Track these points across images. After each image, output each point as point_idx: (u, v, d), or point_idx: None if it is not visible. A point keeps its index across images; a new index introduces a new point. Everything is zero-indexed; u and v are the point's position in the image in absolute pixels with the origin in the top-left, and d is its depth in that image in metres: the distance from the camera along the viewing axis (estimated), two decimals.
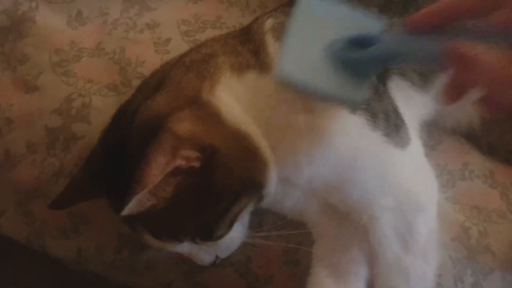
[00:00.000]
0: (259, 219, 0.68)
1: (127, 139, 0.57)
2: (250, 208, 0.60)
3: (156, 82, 0.62)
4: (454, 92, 0.47)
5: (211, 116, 0.57)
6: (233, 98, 0.59)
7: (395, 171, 0.60)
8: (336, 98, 0.53)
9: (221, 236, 0.60)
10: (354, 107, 0.57)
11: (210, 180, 0.55)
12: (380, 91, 0.62)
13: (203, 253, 0.63)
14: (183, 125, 0.54)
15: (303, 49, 0.52)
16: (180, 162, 0.54)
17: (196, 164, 0.54)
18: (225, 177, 0.55)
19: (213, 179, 0.55)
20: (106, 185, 0.60)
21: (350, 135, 0.59)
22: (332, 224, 0.65)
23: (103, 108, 0.73)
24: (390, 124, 0.60)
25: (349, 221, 0.64)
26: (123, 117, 0.61)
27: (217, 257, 0.64)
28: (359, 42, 0.51)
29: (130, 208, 0.52)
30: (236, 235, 0.63)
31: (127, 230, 0.73)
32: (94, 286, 0.84)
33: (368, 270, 0.63)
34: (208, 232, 0.58)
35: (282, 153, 0.59)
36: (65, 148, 0.73)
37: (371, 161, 0.60)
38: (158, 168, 0.52)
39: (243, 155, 0.57)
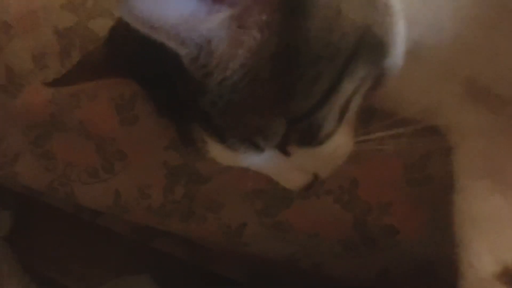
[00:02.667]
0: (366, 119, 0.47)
1: None
2: (365, 89, 0.40)
3: None
4: None
5: None
6: None
7: None
8: None
9: (328, 136, 0.39)
10: None
11: (311, 22, 0.35)
12: None
13: (295, 171, 0.42)
14: None
15: None
16: None
17: None
18: (332, 18, 0.35)
19: (314, 18, 0.35)
20: (138, 66, 0.41)
21: None
22: (484, 117, 0.44)
23: None
24: None
25: (510, 109, 0.43)
26: None
27: (315, 177, 0.44)
28: None
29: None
30: (343, 141, 0.42)
31: (177, 160, 0.55)
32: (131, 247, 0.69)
33: None
34: (310, 128, 0.38)
35: None
36: (84, 50, 0.54)
37: None
38: None
39: None
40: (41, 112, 0.58)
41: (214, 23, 0.34)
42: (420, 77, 0.45)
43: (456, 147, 0.47)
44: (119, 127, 0.56)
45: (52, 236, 0.79)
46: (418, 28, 0.41)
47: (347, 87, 0.38)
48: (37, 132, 0.60)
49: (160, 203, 0.58)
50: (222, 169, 0.54)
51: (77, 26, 0.56)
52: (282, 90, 0.36)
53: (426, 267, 0.52)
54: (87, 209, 0.68)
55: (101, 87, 0.55)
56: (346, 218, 0.52)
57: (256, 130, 0.38)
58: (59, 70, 0.56)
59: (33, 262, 0.77)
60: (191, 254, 0.70)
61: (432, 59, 0.44)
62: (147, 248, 0.71)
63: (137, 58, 0.41)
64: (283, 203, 0.54)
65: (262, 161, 0.42)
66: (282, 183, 0.45)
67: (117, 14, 0.53)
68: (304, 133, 0.39)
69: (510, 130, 0.45)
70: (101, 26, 0.55)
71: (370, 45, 0.38)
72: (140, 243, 0.71)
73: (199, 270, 0.71)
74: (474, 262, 0.41)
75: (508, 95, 0.44)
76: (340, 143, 0.42)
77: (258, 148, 0.40)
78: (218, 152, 0.41)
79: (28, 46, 0.58)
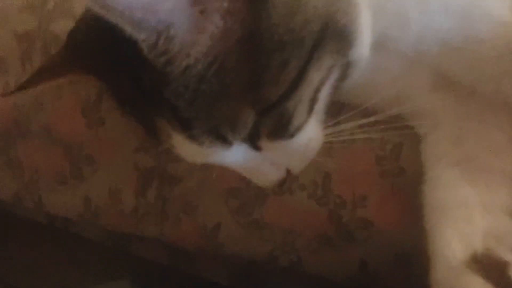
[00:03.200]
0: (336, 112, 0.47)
1: None
2: (332, 80, 0.39)
3: None
4: None
5: None
6: None
7: None
8: None
9: (298, 129, 0.39)
10: None
11: (272, 8, 0.34)
12: None
13: (267, 167, 0.42)
14: None
15: None
16: None
17: None
18: (293, 4, 0.35)
19: (275, 5, 0.34)
20: (99, 61, 0.40)
21: None
22: (452, 106, 0.45)
23: None
24: None
25: (479, 97, 0.43)
26: None
27: (287, 172, 0.43)
28: None
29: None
30: (314, 133, 0.42)
31: (148, 162, 0.54)
32: (108, 253, 0.67)
33: None
34: (281, 119, 0.37)
35: None
36: (46, 53, 0.53)
37: None
38: None
39: None
40: (4, 119, 0.56)
41: (172, 6, 0.33)
42: (388, 67, 0.45)
43: (425, 136, 0.47)
44: (86, 130, 0.55)
45: (24, 246, 0.77)
46: (383, 20, 0.41)
47: (315, 76, 0.38)
48: (1, 140, 0.58)
49: (133, 207, 0.56)
50: (194, 169, 0.54)
51: (38, 29, 0.55)
52: (249, 79, 0.36)
53: (404, 257, 0.52)
54: (59, 217, 0.66)
55: (65, 89, 0.53)
56: (321, 213, 0.51)
57: (224, 120, 0.37)
58: (20, 74, 0.55)
59: (7, 274, 0.74)
60: (169, 258, 0.68)
61: (399, 50, 0.44)
62: (125, 253, 0.69)
63: (99, 52, 0.40)
64: (258, 200, 0.53)
65: (232, 157, 0.41)
66: (254, 180, 0.44)
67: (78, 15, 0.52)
68: (275, 125, 0.38)
69: (478, 118, 0.45)
70: (62, 29, 0.53)
71: (335, 34, 0.37)
72: (117, 249, 0.69)
73: (178, 273, 0.70)
74: (444, 250, 0.40)
75: (475, 85, 0.44)
76: (311, 136, 0.41)
77: (225, 141, 0.39)
78: (184, 148, 0.39)
79: None
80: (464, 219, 0.41)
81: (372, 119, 0.44)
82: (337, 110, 0.47)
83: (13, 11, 0.55)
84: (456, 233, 0.41)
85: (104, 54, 0.39)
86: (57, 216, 0.66)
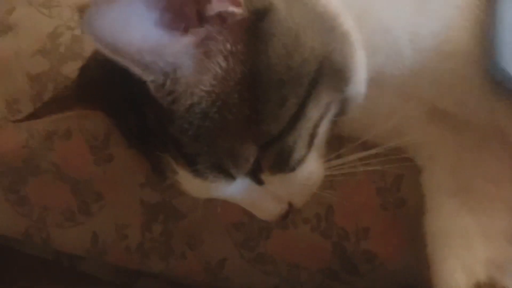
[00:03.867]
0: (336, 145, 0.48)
1: None
2: (331, 116, 0.41)
3: None
4: None
5: None
6: None
7: None
8: None
9: (299, 162, 0.40)
10: None
11: (271, 49, 0.36)
12: None
13: (269, 201, 0.43)
14: None
15: None
16: None
17: (237, 10, 0.35)
18: (291, 45, 0.37)
19: (274, 46, 0.36)
20: (107, 97, 0.42)
21: None
22: (449, 137, 0.46)
23: None
24: None
25: (473, 128, 0.44)
26: None
27: (290, 205, 0.44)
28: None
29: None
30: (314, 167, 0.43)
31: (154, 197, 0.55)
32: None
33: None
34: (281, 153, 0.38)
35: (370, 25, 0.41)
36: None
37: None
38: None
39: (312, 19, 0.38)
40: (15, 157, 0.57)
41: (178, 50, 0.35)
42: (385, 101, 0.46)
43: (424, 167, 0.48)
44: (94, 167, 0.56)
45: (32, 284, 0.77)
46: (378, 57, 0.43)
47: (313, 112, 0.39)
48: (11, 178, 0.59)
49: (138, 242, 0.57)
50: (199, 204, 0.55)
51: (50, 71, 0.56)
52: (250, 115, 0.37)
53: None
54: (66, 255, 0.66)
55: (75, 127, 0.55)
56: (325, 246, 0.51)
57: (226, 156, 0.38)
58: None
59: None
60: None
61: (394, 86, 0.45)
62: None
63: (107, 89, 0.42)
64: (262, 234, 0.53)
65: (235, 191, 0.42)
66: (257, 214, 0.45)
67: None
68: (276, 159, 0.39)
69: (475, 149, 0.46)
70: (74, 70, 0.53)
71: (331, 72, 0.39)
72: (124, 286, 0.69)
73: None
74: (447, 280, 0.41)
75: (468, 117, 0.45)
76: (312, 169, 0.43)
77: (228, 176, 0.40)
78: (188, 183, 0.41)
79: (0, 92, 0.58)
80: (465, 248, 0.42)
81: (372, 151, 0.46)
82: (337, 143, 0.49)
83: (27, 54, 0.57)
84: (459, 263, 0.41)
85: (112, 91, 0.41)
86: (65, 254, 0.67)
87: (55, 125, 0.56)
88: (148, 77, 0.35)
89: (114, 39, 0.32)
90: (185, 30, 0.35)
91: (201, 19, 0.36)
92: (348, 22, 0.40)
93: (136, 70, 0.35)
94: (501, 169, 0.44)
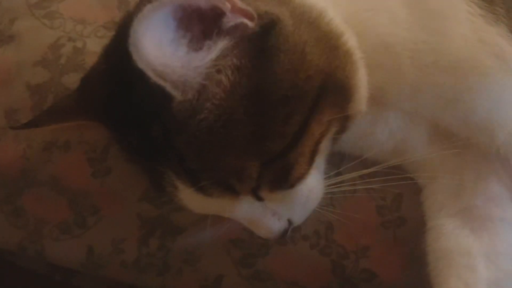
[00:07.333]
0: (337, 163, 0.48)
1: None
2: (332, 133, 0.41)
3: None
4: None
5: None
6: None
7: None
8: None
9: (299, 179, 0.40)
10: None
11: (277, 65, 0.37)
12: None
13: (269, 218, 0.42)
14: None
15: None
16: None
17: (250, 24, 0.36)
18: (297, 62, 0.37)
19: (280, 62, 0.37)
20: (108, 109, 0.42)
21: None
22: (448, 157, 0.45)
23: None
24: None
25: (474, 148, 0.44)
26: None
27: (289, 223, 0.44)
28: None
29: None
30: (314, 184, 0.43)
31: (151, 212, 0.54)
32: None
33: None
34: (282, 170, 0.38)
35: (371, 41, 0.41)
36: None
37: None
38: None
39: (317, 37, 0.38)
40: (12, 168, 0.57)
41: (203, 67, 0.36)
42: (386, 120, 0.46)
43: (424, 186, 0.48)
44: (92, 180, 0.55)
45: None
46: (380, 75, 0.43)
47: (316, 129, 0.39)
48: (7, 189, 0.58)
49: (135, 257, 0.56)
50: (197, 219, 0.54)
51: (50, 82, 0.56)
52: (255, 131, 0.37)
53: None
54: (60, 269, 0.65)
55: (73, 140, 0.55)
56: (324, 264, 0.50)
57: (231, 172, 0.38)
58: None
59: None
60: None
61: (395, 104, 0.45)
62: None
63: (108, 101, 0.42)
64: (261, 251, 0.52)
65: (234, 208, 0.41)
66: (256, 231, 0.44)
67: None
68: (276, 175, 0.39)
69: (475, 168, 0.46)
70: (74, 82, 0.54)
71: (334, 89, 0.40)
72: None
73: None
74: None
75: (469, 137, 0.45)
76: (312, 186, 0.43)
77: (233, 192, 0.40)
78: (189, 199, 0.40)
79: (0, 102, 0.58)
80: (467, 268, 0.41)
81: (372, 169, 0.46)
82: (338, 161, 0.49)
83: (28, 65, 0.57)
84: (461, 283, 0.41)
85: (113, 103, 0.41)
86: (58, 268, 0.66)
87: (54, 136, 0.56)
88: (178, 95, 0.36)
89: (158, 63, 0.33)
90: (201, 47, 0.36)
91: (216, 33, 0.36)
92: (351, 40, 0.40)
93: (175, 92, 0.35)
94: (502, 190, 0.44)
